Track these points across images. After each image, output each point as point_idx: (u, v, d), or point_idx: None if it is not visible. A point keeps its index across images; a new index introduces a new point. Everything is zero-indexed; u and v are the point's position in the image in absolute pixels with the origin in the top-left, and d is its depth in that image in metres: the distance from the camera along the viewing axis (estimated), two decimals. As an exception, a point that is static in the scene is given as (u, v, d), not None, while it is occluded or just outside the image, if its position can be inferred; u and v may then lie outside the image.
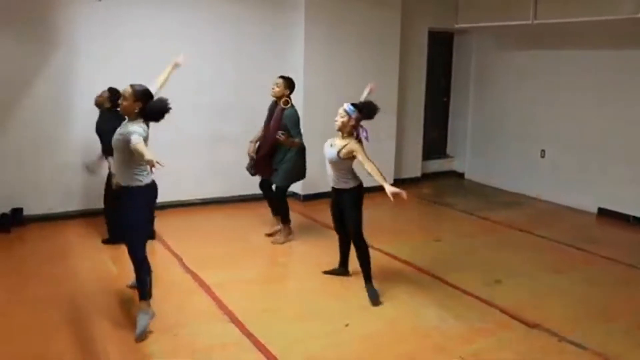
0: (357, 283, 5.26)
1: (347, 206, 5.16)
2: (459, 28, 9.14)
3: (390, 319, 4.58)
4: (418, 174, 9.72)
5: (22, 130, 6.03)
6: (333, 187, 5.23)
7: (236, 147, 7.65)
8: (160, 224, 6.73)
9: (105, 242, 6.16)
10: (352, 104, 5.17)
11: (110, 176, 5.98)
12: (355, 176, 5.18)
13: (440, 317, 4.61)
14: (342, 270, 5.50)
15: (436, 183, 9.67)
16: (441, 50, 10.01)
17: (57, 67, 6.45)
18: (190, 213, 7.50)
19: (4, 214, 6.62)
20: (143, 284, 4.33)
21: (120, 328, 4.36)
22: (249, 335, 4.26)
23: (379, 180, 4.79)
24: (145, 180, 4.29)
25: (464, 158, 10.09)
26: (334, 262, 5.72)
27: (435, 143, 10.29)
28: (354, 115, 5.12)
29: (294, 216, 7.52)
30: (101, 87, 6.63)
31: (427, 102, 9.61)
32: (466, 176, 10.03)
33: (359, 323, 4.50)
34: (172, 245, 6.13)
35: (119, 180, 4.37)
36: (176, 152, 7.42)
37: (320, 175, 8.21)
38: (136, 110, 4.20)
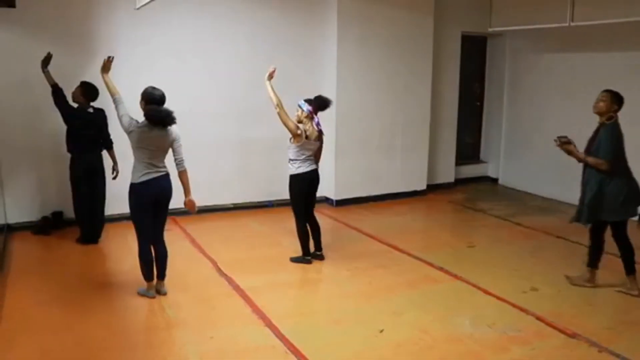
0: (389, 289, 5.27)
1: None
2: (493, 32, 9.07)
3: (424, 325, 4.55)
4: (451, 179, 9.66)
5: (62, 136, 6.17)
6: (315, 170, 5.82)
7: (267, 152, 7.74)
8: (194, 227, 6.88)
9: (79, 241, 6.35)
10: (304, 100, 5.77)
11: (78, 172, 6.16)
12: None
13: (474, 324, 4.56)
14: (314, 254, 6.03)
15: (469, 188, 9.60)
16: (474, 54, 9.94)
17: (95, 74, 6.57)
18: (223, 217, 7.58)
19: (44, 217, 6.81)
20: (142, 269, 4.95)
21: (156, 330, 4.44)
22: (283, 338, 4.28)
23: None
24: (137, 179, 4.69)
25: (497, 163, 9.99)
26: (367, 266, 5.76)
27: (469, 148, 10.24)
28: (305, 108, 5.69)
29: (325, 221, 7.58)
30: (138, 95, 6.82)
31: (461, 107, 9.55)
32: (500, 181, 9.92)
33: (392, 329, 4.48)
34: (206, 249, 6.21)
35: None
36: (210, 156, 7.54)
37: (353, 179, 8.31)
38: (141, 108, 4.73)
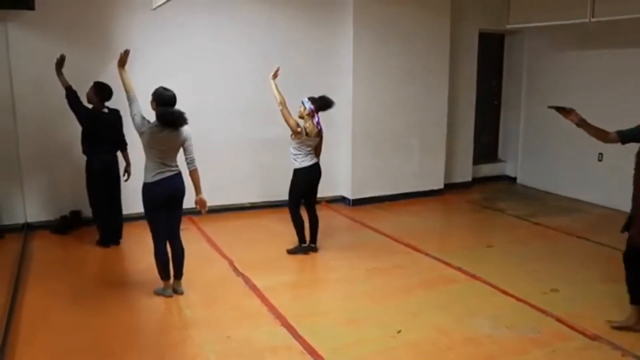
0: (406, 289, 5.25)
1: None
2: (511, 29, 8.98)
3: (442, 326, 4.51)
4: (469, 178, 9.59)
5: (79, 136, 6.22)
6: (317, 163, 6.06)
7: (284, 151, 7.72)
8: (210, 227, 6.90)
9: (99, 243, 6.36)
10: (308, 98, 5.97)
11: (93, 173, 6.17)
12: None
13: (493, 325, 4.51)
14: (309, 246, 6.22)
15: (487, 188, 9.52)
16: (492, 52, 9.86)
17: (112, 75, 6.62)
18: (240, 217, 7.60)
19: (63, 217, 6.88)
20: (158, 268, 5.00)
21: (174, 329, 4.46)
22: (299, 338, 4.27)
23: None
24: (150, 178, 4.74)
25: (515, 162, 9.89)
26: (384, 266, 5.75)
27: (486, 147, 10.16)
28: (307, 106, 5.89)
29: (341, 220, 7.57)
30: (150, 94, 6.87)
31: (478, 105, 9.48)
32: (518, 181, 9.83)
33: (409, 329, 4.45)
34: (223, 249, 6.23)
35: None
36: (227, 156, 7.57)
37: (369, 179, 8.28)
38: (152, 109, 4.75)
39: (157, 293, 5.03)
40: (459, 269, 5.73)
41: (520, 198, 8.92)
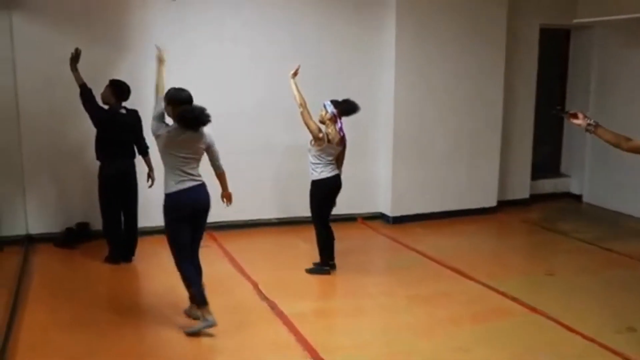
0: (453, 321, 5.19)
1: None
2: (578, 23, 8.86)
3: (493, 364, 4.46)
4: (526, 195, 9.49)
5: (90, 141, 6.31)
6: (338, 175, 6.12)
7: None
8: (233, 245, 6.94)
9: (108, 260, 6.42)
10: (331, 101, 6.03)
11: (108, 181, 6.23)
12: None
13: (556, 365, 4.44)
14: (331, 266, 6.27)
15: (547, 206, 9.41)
16: (555, 51, 9.77)
17: (129, 72, 6.74)
18: (266, 234, 7.65)
19: (69, 229, 6.99)
20: (195, 294, 4.77)
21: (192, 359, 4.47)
22: (331, 374, 4.27)
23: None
24: (171, 188, 4.69)
25: (581, 177, 9.76)
26: (428, 293, 5.72)
27: (547, 160, 10.05)
28: (329, 110, 5.94)
29: (380, 240, 7.55)
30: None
31: (538, 112, 9.36)
32: (584, 199, 9.70)
33: (455, 367, 4.41)
34: (247, 269, 6.25)
35: None
36: (252, 165, 7.61)
37: (411, 193, 8.23)
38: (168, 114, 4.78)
39: (193, 332, 4.76)
40: (514, 299, 5.64)
41: (586, 219, 8.79)
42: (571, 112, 4.36)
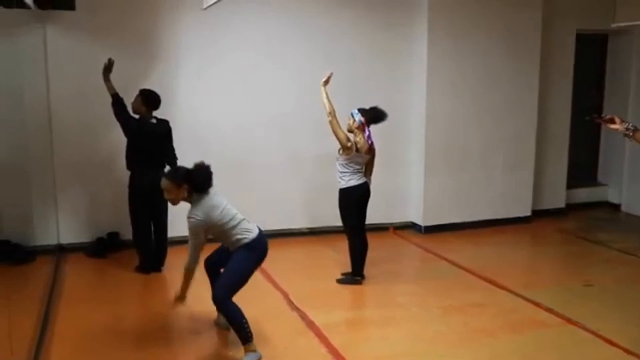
0: (487, 332, 5.16)
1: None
2: (617, 28, 8.77)
3: (530, 377, 4.42)
4: (562, 204, 9.40)
5: (120, 151, 6.42)
6: (366, 183, 6.13)
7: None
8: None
9: (139, 270, 6.50)
10: (358, 109, 6.07)
11: (138, 190, 6.31)
12: None
13: (593, 379, 4.40)
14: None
15: (584, 216, 9.30)
16: (592, 56, 9.68)
17: (158, 81, 6.85)
18: (296, 244, 7.69)
19: (99, 238, 7.11)
20: (240, 330, 4.50)
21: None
22: (362, 385, 4.27)
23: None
24: (248, 239, 4.58)
25: (620, 186, 9.64)
26: (461, 304, 5.74)
27: (584, 168, 9.95)
28: (357, 118, 5.99)
29: (412, 249, 7.54)
30: (199, 98, 7.07)
31: (574, 119, 9.27)
32: (623, 208, 9.58)
33: (491, 380, 4.38)
34: (276, 280, 6.28)
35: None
36: (283, 174, 7.68)
37: (444, 203, 8.22)
38: (184, 195, 4.49)
39: None
40: (550, 310, 5.60)
41: (625, 228, 8.68)
42: (607, 117, 4.34)
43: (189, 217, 4.39)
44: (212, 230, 4.51)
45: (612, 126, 4.28)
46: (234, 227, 4.51)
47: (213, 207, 4.46)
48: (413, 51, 8.07)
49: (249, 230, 4.59)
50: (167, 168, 6.43)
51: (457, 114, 8.18)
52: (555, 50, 8.91)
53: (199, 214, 4.38)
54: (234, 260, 4.57)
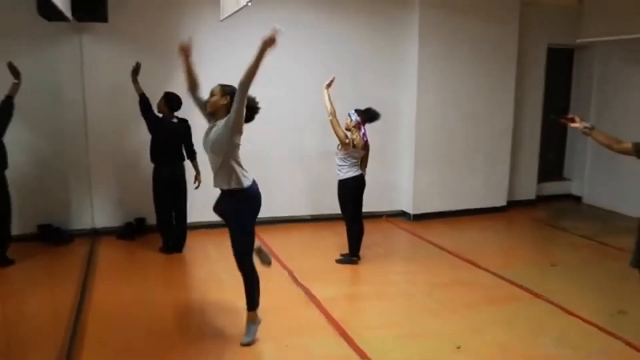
0: (469, 305, 5.23)
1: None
2: (581, 43, 8.82)
3: (504, 344, 4.47)
4: (533, 196, 9.45)
5: (146, 146, 6.48)
6: (362, 175, 6.17)
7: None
8: (271, 238, 7.01)
9: (162, 250, 6.55)
10: (355, 110, 6.12)
11: (161, 181, 6.36)
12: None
13: (558, 345, 4.45)
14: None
15: (551, 206, 9.35)
16: (560, 67, 9.70)
17: (180, 84, 6.88)
18: (301, 229, 7.75)
19: (128, 223, 7.18)
20: (251, 294, 4.41)
21: (232, 335, 4.57)
22: (358, 350, 4.31)
23: None
24: (249, 182, 4.26)
25: (582, 181, 9.68)
26: (446, 282, 5.82)
27: (552, 165, 9.97)
28: (354, 118, 6.04)
29: (402, 234, 7.59)
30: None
31: (544, 122, 9.31)
32: (584, 200, 9.61)
33: (470, 346, 4.42)
34: (283, 259, 6.34)
35: (220, 185, 4.29)
36: (289, 167, 7.73)
37: (430, 193, 8.26)
38: (224, 103, 4.24)
39: (251, 342, 4.39)
40: (522, 287, 5.66)
41: (586, 217, 8.73)
42: (569, 116, 4.38)
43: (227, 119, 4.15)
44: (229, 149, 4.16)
45: (573, 125, 4.34)
46: (238, 158, 4.23)
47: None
48: (405, 60, 8.11)
49: (248, 178, 4.29)
50: (187, 161, 6.57)
51: (444, 116, 8.23)
52: (529, 61, 8.95)
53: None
54: (234, 221, 4.29)
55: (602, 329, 4.73)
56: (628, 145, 4.16)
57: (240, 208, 4.28)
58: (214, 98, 4.29)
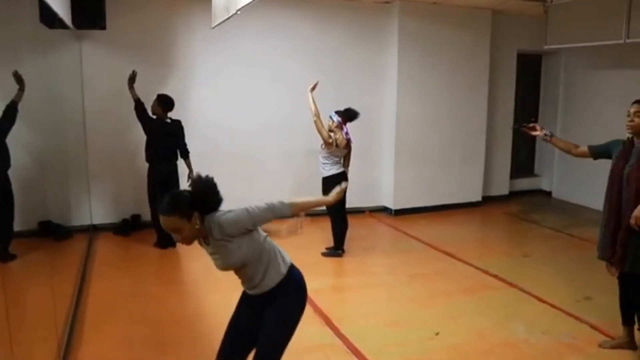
0: (446, 294, 5.23)
1: None
2: (548, 49, 8.86)
3: (480, 330, 4.48)
4: (506, 191, 9.47)
5: (142, 146, 6.42)
6: (344, 172, 6.13)
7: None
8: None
9: (157, 245, 6.48)
10: (335, 111, 6.08)
11: (155, 179, 6.31)
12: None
13: (529, 330, 4.47)
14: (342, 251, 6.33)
15: (523, 201, 9.39)
16: (530, 71, 9.75)
17: (173, 88, 6.84)
18: (286, 224, 7.67)
19: (124, 220, 7.10)
20: None
21: (222, 324, 4.52)
22: (343, 338, 4.31)
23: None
24: (286, 267, 3.05)
25: (551, 177, 9.74)
26: (425, 272, 5.83)
27: (523, 162, 10.03)
28: (335, 119, 6.02)
29: (384, 229, 7.58)
30: (208, 103, 7.04)
31: (516, 122, 9.33)
32: (553, 195, 9.66)
33: (448, 332, 4.44)
34: (271, 252, 6.29)
35: (258, 291, 2.95)
36: (275, 167, 7.69)
37: (410, 190, 8.27)
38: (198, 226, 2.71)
39: None
40: (496, 276, 5.69)
41: (555, 211, 8.77)
42: (530, 125, 4.38)
43: (231, 212, 2.77)
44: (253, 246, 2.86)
45: (534, 133, 4.36)
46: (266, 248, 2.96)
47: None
48: (386, 66, 8.10)
49: (284, 264, 3.04)
50: (180, 159, 6.47)
51: (422, 117, 8.23)
52: (500, 67, 8.97)
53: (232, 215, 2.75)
54: (277, 315, 2.94)
55: (569, 314, 4.77)
56: (584, 149, 4.22)
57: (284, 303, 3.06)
58: (184, 235, 2.74)
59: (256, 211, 2.79)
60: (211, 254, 2.87)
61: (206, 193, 2.74)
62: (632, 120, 3.88)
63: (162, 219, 2.67)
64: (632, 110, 3.90)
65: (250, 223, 2.77)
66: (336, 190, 3.34)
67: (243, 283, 2.96)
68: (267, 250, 2.92)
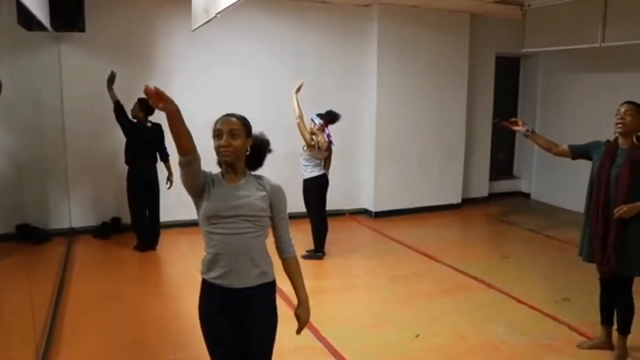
0: (426, 296, 5.24)
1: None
2: (526, 52, 8.95)
3: (459, 331, 4.50)
4: (485, 193, 9.54)
5: (121, 149, 6.35)
6: (325, 174, 6.13)
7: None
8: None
9: (137, 248, 6.43)
10: (317, 114, 6.10)
11: (135, 183, 6.25)
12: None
13: (508, 331, 4.49)
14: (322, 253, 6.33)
15: (502, 202, 9.45)
16: (508, 74, 9.83)
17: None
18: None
19: (104, 223, 7.01)
20: None
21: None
22: (323, 340, 4.30)
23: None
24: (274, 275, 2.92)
25: (530, 178, 9.83)
26: (405, 274, 5.81)
27: (502, 164, 10.10)
28: (317, 122, 6.02)
29: (364, 231, 7.58)
30: (190, 107, 6.95)
31: (495, 125, 9.42)
32: (532, 196, 9.75)
33: (429, 334, 4.45)
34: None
35: (241, 280, 2.72)
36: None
37: (391, 192, 8.28)
38: (245, 151, 2.82)
39: None
40: (475, 278, 5.71)
41: (534, 213, 8.84)
42: (512, 119, 4.39)
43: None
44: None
45: (516, 128, 4.34)
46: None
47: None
48: (366, 69, 8.11)
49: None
50: (160, 162, 6.44)
51: (402, 120, 8.25)
52: (479, 69, 9.04)
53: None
54: (266, 324, 2.92)
55: (548, 315, 4.80)
56: (565, 147, 4.23)
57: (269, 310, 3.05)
58: (235, 141, 2.80)
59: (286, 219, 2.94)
60: (232, 195, 2.74)
61: (261, 145, 2.94)
62: (622, 119, 3.86)
63: (229, 119, 2.79)
64: (623, 109, 3.90)
65: (280, 214, 2.92)
66: None
67: (233, 271, 2.70)
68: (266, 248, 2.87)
